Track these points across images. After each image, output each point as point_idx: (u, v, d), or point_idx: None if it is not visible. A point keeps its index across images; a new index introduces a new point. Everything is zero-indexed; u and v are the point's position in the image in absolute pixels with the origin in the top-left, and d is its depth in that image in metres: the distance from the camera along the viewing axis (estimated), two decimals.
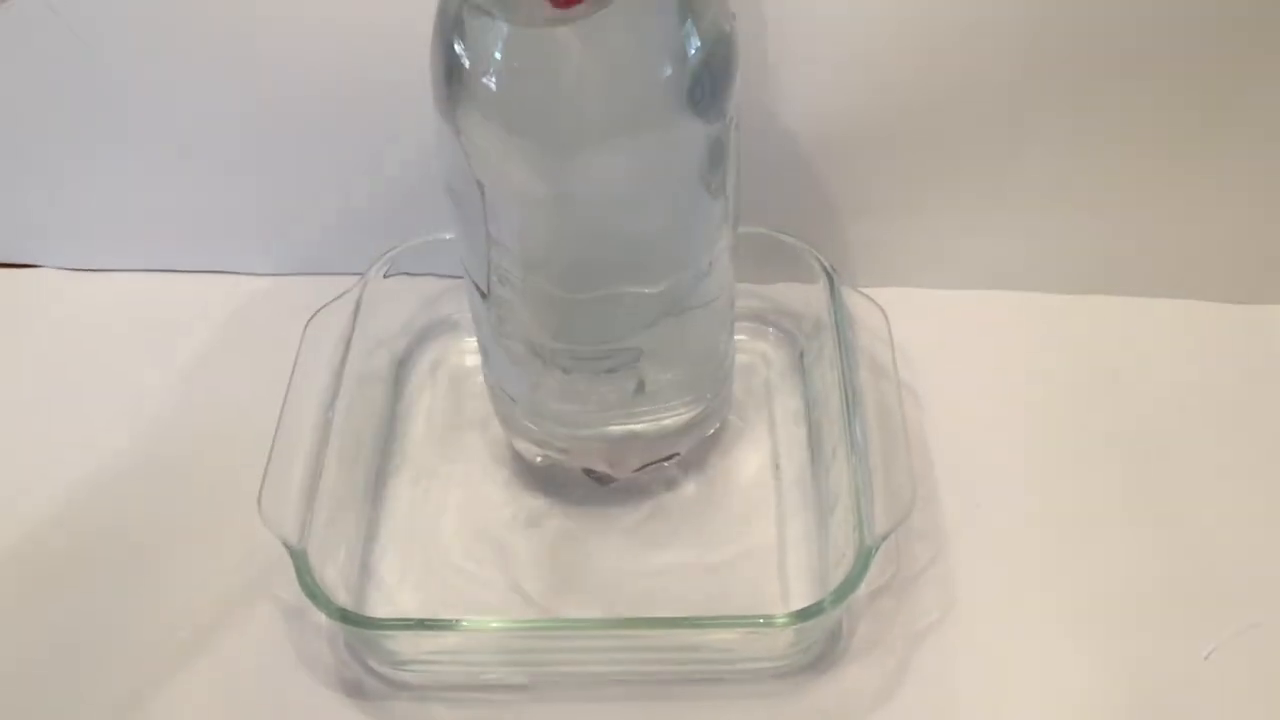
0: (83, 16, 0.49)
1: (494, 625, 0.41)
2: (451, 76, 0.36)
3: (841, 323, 0.47)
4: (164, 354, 0.54)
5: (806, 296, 0.51)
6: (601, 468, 0.47)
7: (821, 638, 0.42)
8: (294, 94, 0.51)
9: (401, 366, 0.53)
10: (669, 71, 0.36)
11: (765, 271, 0.52)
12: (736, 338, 0.53)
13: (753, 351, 0.53)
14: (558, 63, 0.35)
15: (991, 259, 0.54)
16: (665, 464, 0.47)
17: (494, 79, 0.35)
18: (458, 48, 0.35)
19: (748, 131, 0.50)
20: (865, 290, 0.49)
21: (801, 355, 0.52)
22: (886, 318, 0.47)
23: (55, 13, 0.49)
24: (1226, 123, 0.49)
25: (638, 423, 0.45)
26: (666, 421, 0.45)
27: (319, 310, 0.48)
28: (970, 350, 0.52)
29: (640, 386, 0.43)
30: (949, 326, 0.53)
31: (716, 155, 0.39)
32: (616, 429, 0.45)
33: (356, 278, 0.50)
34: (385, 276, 0.50)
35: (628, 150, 0.36)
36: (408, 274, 0.52)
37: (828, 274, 0.49)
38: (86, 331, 0.56)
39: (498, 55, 0.35)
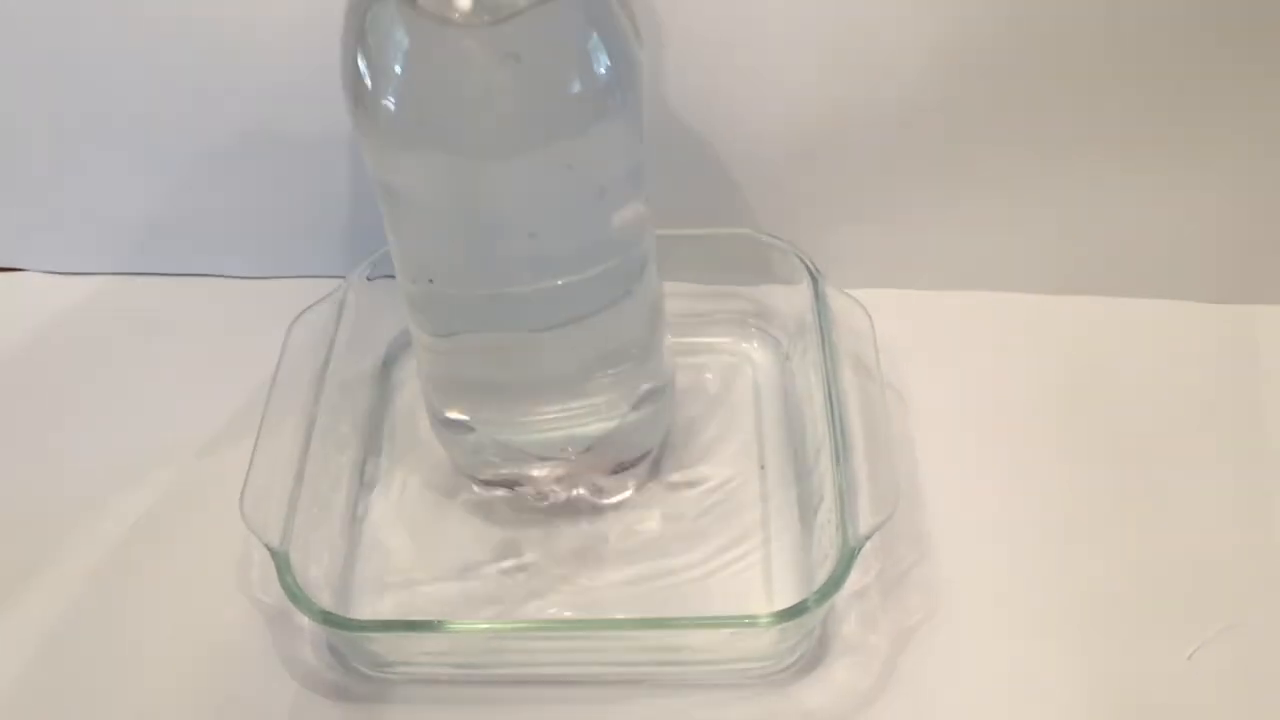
0: (63, 18, 0.49)
1: (477, 627, 0.41)
2: (356, 89, 0.36)
3: (825, 324, 0.47)
4: (147, 357, 0.54)
5: (790, 297, 0.51)
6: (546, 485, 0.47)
7: (806, 638, 0.42)
8: (276, 94, 0.50)
9: (385, 369, 0.53)
10: (576, 88, 0.36)
11: (749, 273, 0.52)
12: (719, 338, 0.53)
13: (736, 352, 0.53)
14: (458, 77, 0.35)
15: (975, 260, 0.54)
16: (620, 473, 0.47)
17: (393, 97, 0.35)
18: (360, 63, 0.35)
19: (732, 133, 0.51)
20: (849, 291, 0.48)
21: (786, 356, 0.52)
22: (871, 318, 0.47)
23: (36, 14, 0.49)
24: (1209, 123, 0.49)
25: (568, 427, 0.45)
26: (591, 428, 0.45)
27: (302, 313, 0.48)
28: (954, 351, 0.52)
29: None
30: (933, 327, 0.53)
31: (630, 164, 0.39)
32: (552, 434, 0.45)
33: (340, 280, 0.50)
34: (369, 279, 0.50)
35: (529, 163, 0.36)
36: (391, 276, 0.51)
37: (812, 275, 0.49)
38: (70, 335, 0.56)
39: (398, 69, 0.35)
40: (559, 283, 0.40)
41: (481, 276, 0.40)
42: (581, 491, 0.46)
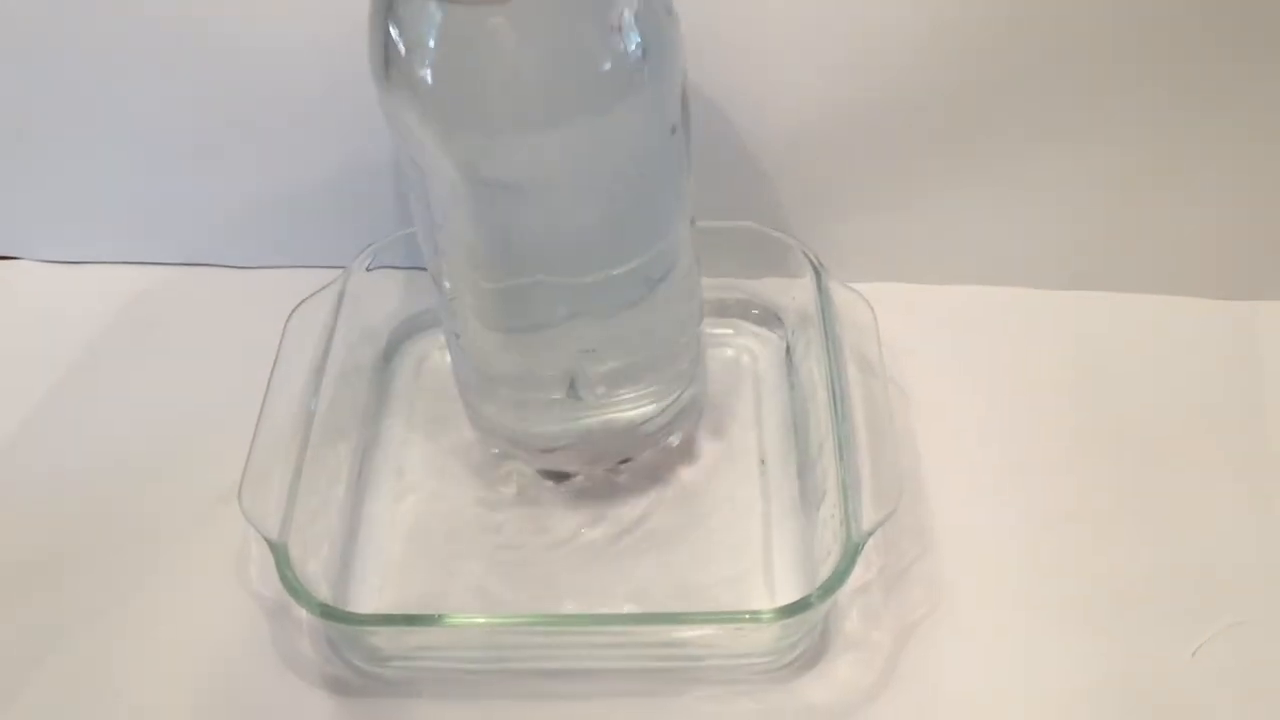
0: (61, 6, 0.48)
1: (477, 621, 0.41)
2: (389, 62, 0.35)
3: (828, 317, 0.47)
4: (144, 346, 0.54)
5: (793, 291, 0.51)
6: (567, 466, 0.47)
7: (808, 634, 0.42)
8: (278, 81, 0.50)
9: (385, 360, 0.53)
10: (607, 64, 0.35)
11: (752, 266, 0.52)
12: (721, 331, 0.53)
13: (739, 346, 0.53)
14: (492, 51, 0.34)
15: (979, 254, 0.54)
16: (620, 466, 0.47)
17: (429, 68, 0.34)
18: (393, 32, 0.34)
19: (735, 126, 0.51)
20: (852, 285, 0.48)
21: (788, 350, 0.52)
22: (874, 312, 0.47)
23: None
24: (1214, 119, 0.49)
25: (590, 417, 0.44)
26: (612, 415, 0.44)
27: (301, 303, 0.48)
28: (957, 345, 0.52)
29: (572, 388, 0.43)
30: (936, 321, 0.53)
31: (662, 147, 0.38)
32: (569, 425, 0.45)
33: (340, 270, 0.49)
34: (369, 269, 0.50)
35: (564, 140, 0.36)
36: (392, 267, 0.52)
37: (815, 268, 0.49)
38: (66, 324, 0.55)
39: (432, 42, 0.34)
40: (619, 271, 0.40)
41: (506, 261, 0.39)
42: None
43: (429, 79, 0.34)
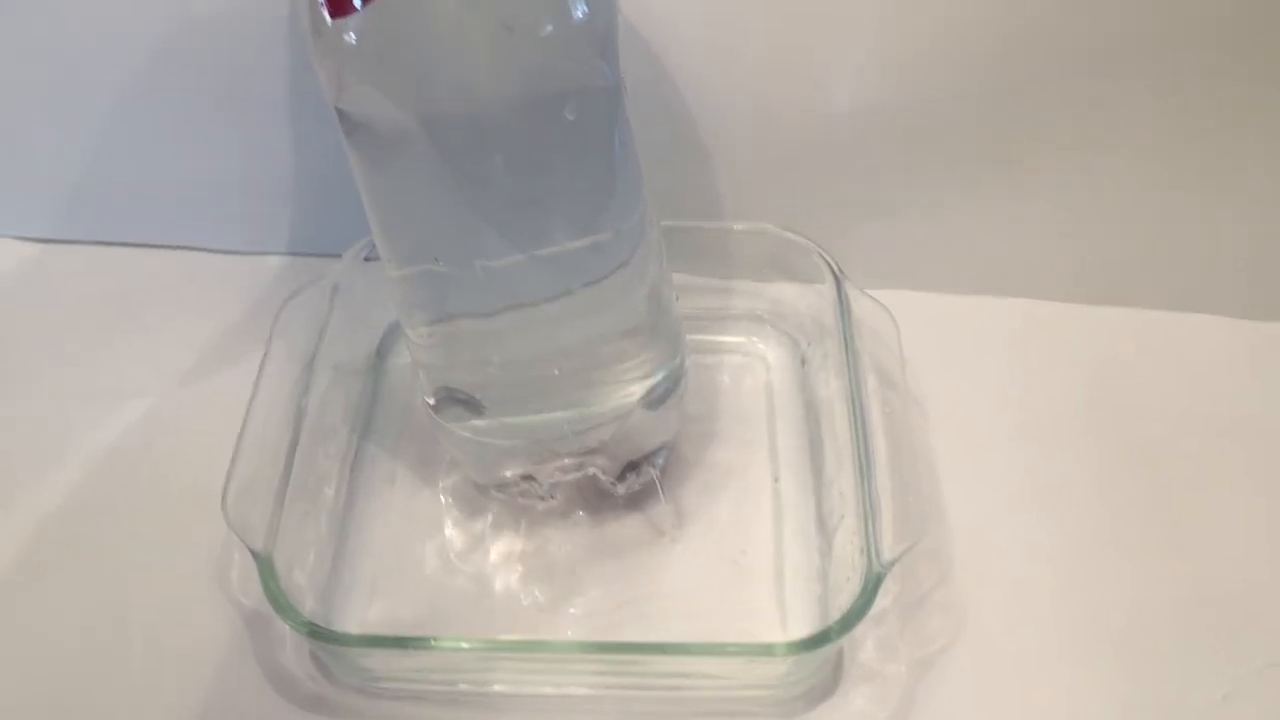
0: None
1: (469, 646, 0.38)
2: (316, 26, 0.34)
3: (849, 328, 0.45)
4: (125, 334, 0.51)
5: (809, 297, 0.49)
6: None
7: (822, 665, 0.40)
8: (276, 62, 0.48)
9: (379, 358, 0.50)
10: (549, 29, 0.34)
11: (767, 269, 0.50)
12: (733, 339, 0.51)
13: (751, 353, 0.51)
14: (425, 15, 0.33)
15: (1005, 265, 0.52)
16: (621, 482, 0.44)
17: (353, 32, 0.33)
18: None
19: (755, 123, 0.48)
20: (872, 293, 0.46)
21: (803, 360, 0.50)
22: (896, 324, 0.45)
23: None
24: (1244, 134, 0.48)
25: (578, 405, 0.42)
26: (603, 407, 0.42)
27: (294, 294, 0.45)
28: (981, 359, 0.50)
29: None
30: (956, 333, 0.51)
31: (603, 122, 0.37)
32: (558, 414, 0.42)
33: (335, 259, 0.47)
34: (366, 260, 0.47)
35: (501, 112, 0.34)
36: None
37: (835, 274, 0.47)
38: (40, 308, 0.53)
39: (357, 3, 0.33)
40: (554, 250, 0.38)
41: (478, 247, 0.38)
42: (594, 472, 0.44)
43: (355, 38, 0.33)
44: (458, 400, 0.42)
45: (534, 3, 0.34)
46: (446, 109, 0.34)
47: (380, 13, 0.33)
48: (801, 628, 0.41)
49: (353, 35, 0.33)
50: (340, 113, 0.36)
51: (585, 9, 0.34)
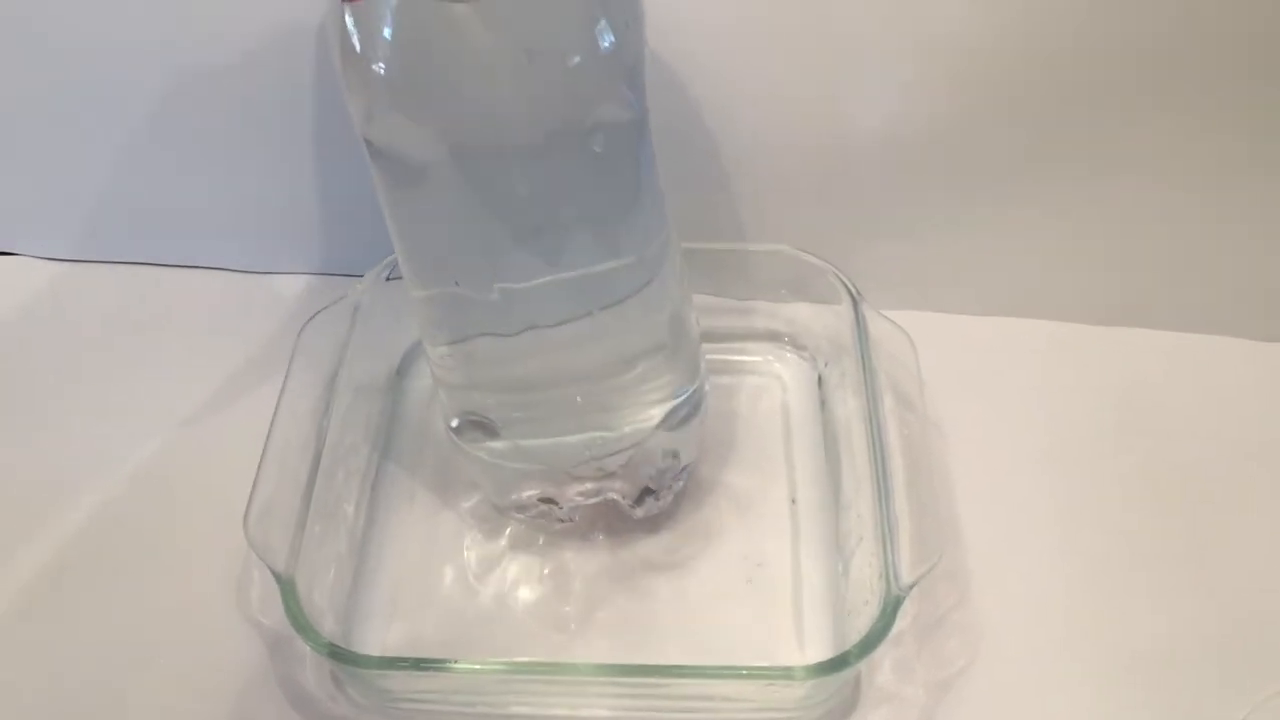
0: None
1: (488, 668, 0.39)
2: (345, 56, 0.34)
3: (866, 349, 0.45)
4: (148, 353, 0.52)
5: (826, 318, 0.49)
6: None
7: (840, 688, 0.40)
8: (300, 84, 0.48)
9: (400, 377, 0.50)
10: (576, 59, 0.34)
11: (785, 290, 0.50)
12: (750, 359, 0.51)
13: (768, 374, 0.51)
14: (453, 46, 0.33)
15: (1023, 286, 0.52)
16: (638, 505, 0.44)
17: (382, 62, 0.33)
18: (348, 22, 0.33)
19: (773, 147, 0.49)
20: (889, 314, 0.46)
21: (820, 381, 0.50)
22: (914, 345, 0.45)
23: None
24: (1267, 155, 0.47)
25: (595, 428, 0.42)
26: (621, 431, 0.42)
27: (315, 314, 0.46)
28: (999, 381, 0.50)
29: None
30: (974, 354, 0.51)
31: (628, 151, 0.37)
32: (577, 437, 0.42)
33: (357, 279, 0.47)
34: (388, 280, 0.47)
35: (528, 141, 0.34)
36: None
37: (852, 295, 0.47)
38: (65, 327, 0.53)
39: (387, 34, 0.33)
40: (576, 273, 0.38)
41: (501, 270, 0.38)
42: (612, 496, 0.44)
43: (382, 73, 0.33)
44: (475, 423, 0.42)
45: (561, 33, 0.34)
46: (474, 138, 0.34)
47: (409, 44, 0.33)
48: (820, 650, 0.41)
49: (382, 66, 0.33)
50: (368, 141, 0.36)
51: (612, 39, 0.34)
